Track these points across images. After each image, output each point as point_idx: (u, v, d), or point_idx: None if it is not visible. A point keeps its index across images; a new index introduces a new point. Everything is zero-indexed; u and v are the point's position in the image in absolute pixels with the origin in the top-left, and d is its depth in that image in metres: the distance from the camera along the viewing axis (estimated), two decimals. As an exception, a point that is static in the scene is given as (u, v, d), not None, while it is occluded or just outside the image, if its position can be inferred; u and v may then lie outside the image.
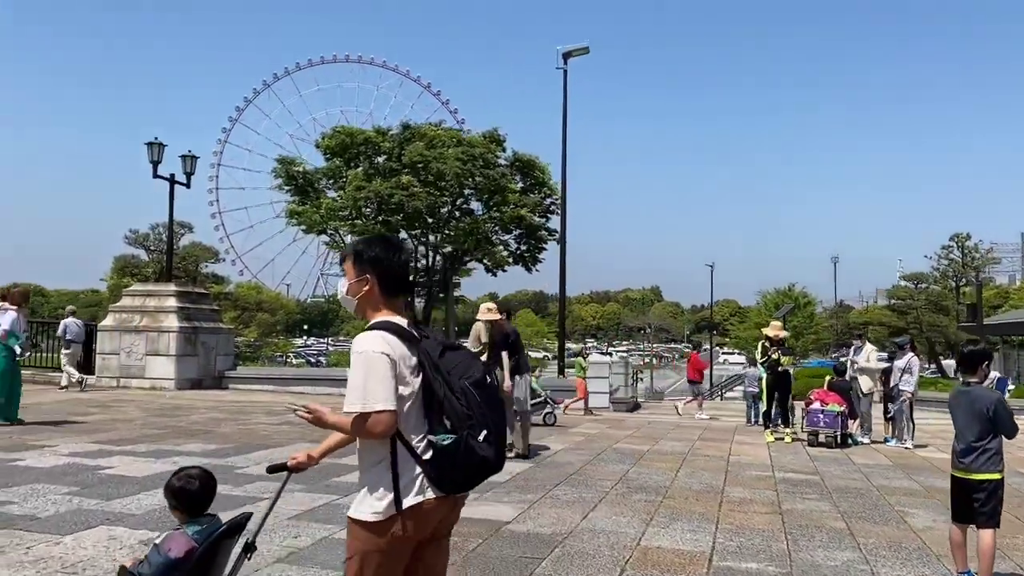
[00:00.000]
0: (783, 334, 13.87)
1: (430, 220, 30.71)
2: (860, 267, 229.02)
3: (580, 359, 19.78)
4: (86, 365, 19.92)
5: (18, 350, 11.28)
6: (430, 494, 2.66)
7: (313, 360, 59.75)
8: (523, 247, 33.04)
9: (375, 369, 2.59)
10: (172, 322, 19.27)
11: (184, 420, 12.79)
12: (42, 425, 11.34)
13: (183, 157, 21.95)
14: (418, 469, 2.65)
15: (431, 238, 32.41)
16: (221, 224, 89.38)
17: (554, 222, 32.50)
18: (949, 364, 57.89)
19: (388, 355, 2.61)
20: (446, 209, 31.44)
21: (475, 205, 32.59)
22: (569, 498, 7.73)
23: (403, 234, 32.37)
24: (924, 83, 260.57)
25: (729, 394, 40.88)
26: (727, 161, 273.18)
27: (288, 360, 58.29)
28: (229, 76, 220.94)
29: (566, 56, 22.80)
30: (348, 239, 33.08)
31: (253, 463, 8.82)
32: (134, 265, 55.01)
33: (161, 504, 6.01)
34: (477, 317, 10.43)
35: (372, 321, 2.76)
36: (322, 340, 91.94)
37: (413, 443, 2.66)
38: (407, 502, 2.65)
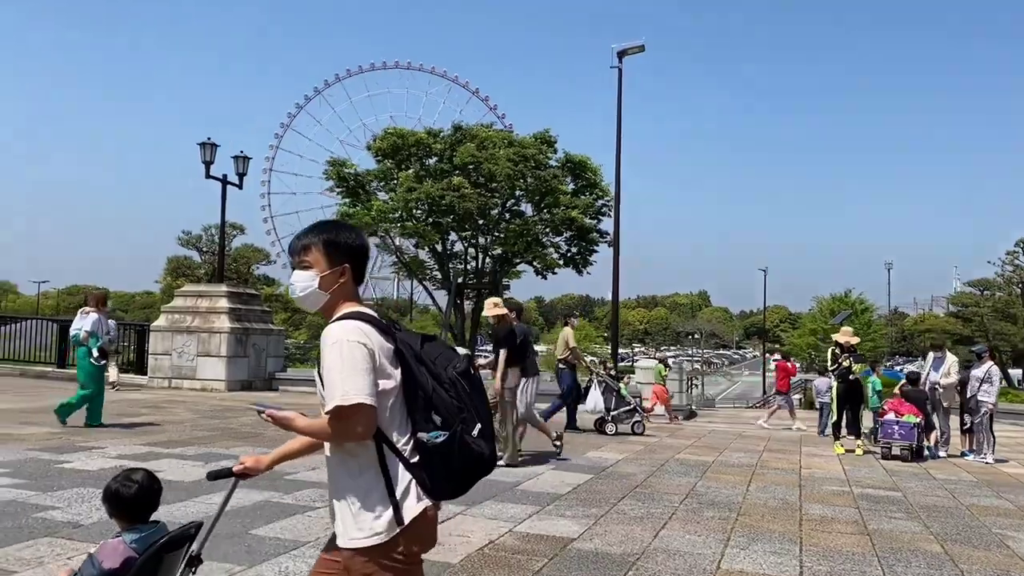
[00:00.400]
0: (854, 340, 13.14)
1: (480, 222, 30.38)
2: (913, 274, 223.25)
3: (660, 366, 19.22)
4: (138, 365, 20.04)
5: (95, 352, 11.31)
6: (428, 501, 2.37)
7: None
8: (573, 249, 32.53)
9: (351, 359, 2.28)
10: (223, 323, 19.20)
11: (235, 422, 12.58)
12: (92, 426, 11.21)
13: (235, 158, 21.97)
14: (408, 476, 2.35)
15: (481, 240, 32.10)
16: (273, 228, 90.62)
17: (605, 224, 32.00)
18: (1015, 373, 55.74)
19: (365, 344, 2.31)
20: (496, 211, 31.10)
21: (525, 207, 32.20)
22: (637, 513, 7.23)
23: (452, 236, 32.17)
24: (982, 87, 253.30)
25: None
26: (775, 165, 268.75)
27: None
28: (283, 81, 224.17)
29: (621, 55, 22.24)
30: (398, 241, 33.05)
31: (304, 468, 8.50)
32: (187, 266, 55.83)
33: (208, 512, 5.71)
34: (484, 313, 10.20)
35: (340, 314, 2.44)
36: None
37: (399, 445, 2.35)
38: (410, 512, 2.33)
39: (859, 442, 12.96)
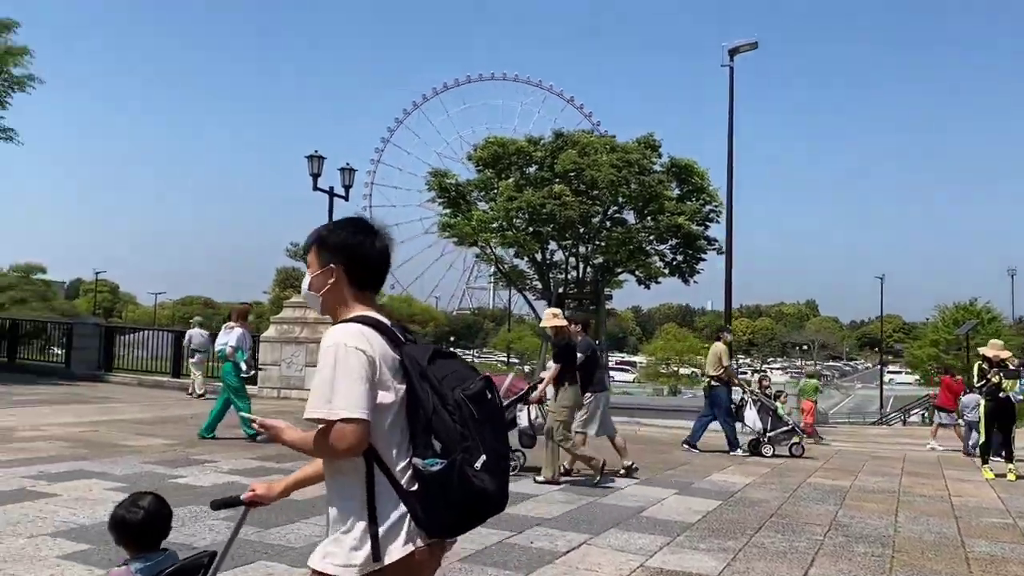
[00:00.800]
0: (1004, 354, 11.95)
1: (581, 230, 29.84)
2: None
3: (814, 381, 18.25)
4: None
5: (243, 366, 11.38)
6: (420, 542, 2.10)
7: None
8: (679, 257, 31.57)
9: (346, 366, 2.06)
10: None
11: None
12: (205, 437, 11.22)
13: (341, 170, 22.21)
14: (402, 507, 2.09)
15: (581, 249, 31.55)
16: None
17: (714, 230, 30.90)
18: None
19: (364, 351, 2.09)
20: (598, 219, 30.50)
21: (627, 214, 31.46)
22: (779, 547, 6.54)
23: (553, 245, 31.69)
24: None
25: (911, 419, 37.42)
26: (880, 170, 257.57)
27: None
28: (387, 96, 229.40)
29: (732, 52, 21.28)
30: (498, 251, 32.84)
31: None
32: (294, 278, 57.37)
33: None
34: (542, 324, 9.59)
35: (346, 317, 2.22)
36: (468, 351, 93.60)
37: (395, 470, 2.10)
38: (392, 553, 2.07)
39: (1010, 466, 11.75)
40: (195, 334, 18.85)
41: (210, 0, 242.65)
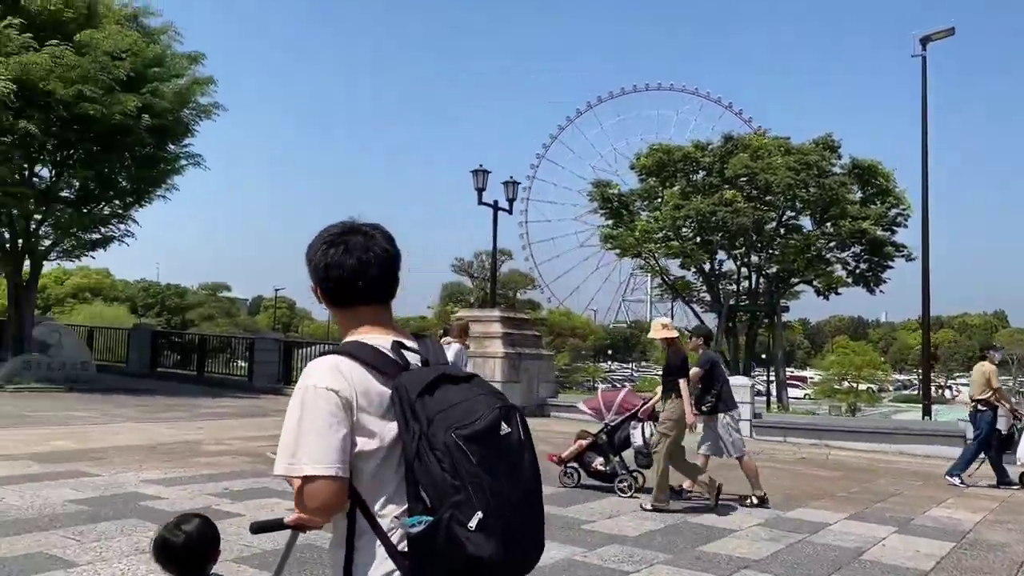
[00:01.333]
0: None
1: (755, 238, 28.26)
2: None
3: None
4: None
5: None
6: None
7: (617, 386, 59.44)
8: (863, 265, 29.27)
9: (314, 412, 1.75)
10: (497, 348, 19.09)
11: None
12: None
13: (505, 184, 22.06)
14: (390, 565, 1.74)
15: (753, 258, 29.90)
16: (530, 255, 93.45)
17: (902, 235, 28.43)
18: None
19: (336, 392, 1.76)
20: (771, 226, 28.79)
21: (803, 220, 29.56)
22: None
23: (722, 254, 30.23)
24: None
25: None
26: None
27: (594, 385, 58.45)
28: (537, 109, 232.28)
29: (924, 41, 19.45)
30: (663, 262, 31.78)
31: (601, 517, 7.45)
32: (459, 292, 58.45)
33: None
34: (650, 335, 8.91)
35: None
36: (626, 365, 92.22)
37: (385, 524, 1.75)
38: None
39: None
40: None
41: (362, 23, 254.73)
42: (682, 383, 8.24)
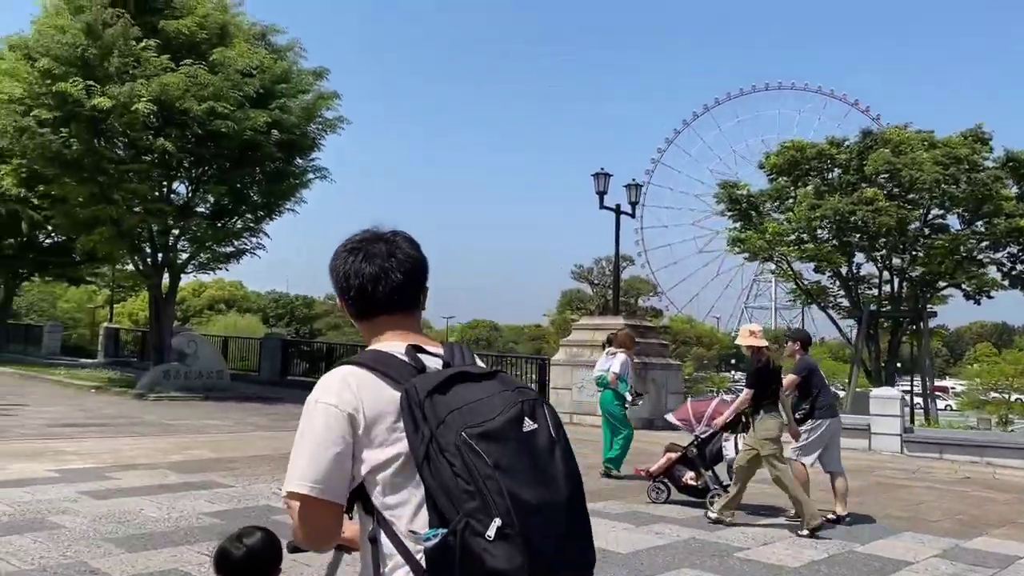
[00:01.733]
0: None
1: (898, 238, 26.42)
2: None
3: None
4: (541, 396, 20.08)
5: (628, 397, 10.59)
6: None
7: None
8: (1020, 266, 26.89)
9: (311, 428, 1.65)
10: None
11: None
12: (615, 475, 10.34)
13: (627, 186, 21.41)
14: None
15: (895, 260, 27.97)
16: (646, 262, 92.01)
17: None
18: None
19: (336, 407, 1.63)
20: (915, 225, 26.86)
21: (950, 219, 27.45)
22: None
23: (859, 257, 28.42)
24: None
25: None
26: None
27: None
28: (654, 114, 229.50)
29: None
30: (795, 266, 30.25)
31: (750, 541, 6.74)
32: (579, 299, 57.91)
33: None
34: (737, 341, 8.44)
35: None
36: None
37: (411, 545, 1.57)
38: None
39: None
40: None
41: (474, 29, 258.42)
42: (745, 394, 7.82)
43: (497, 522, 1.46)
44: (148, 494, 7.84)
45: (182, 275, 24.05)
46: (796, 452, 8.30)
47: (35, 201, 23.59)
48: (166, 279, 22.87)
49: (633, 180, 21.20)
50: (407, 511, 1.61)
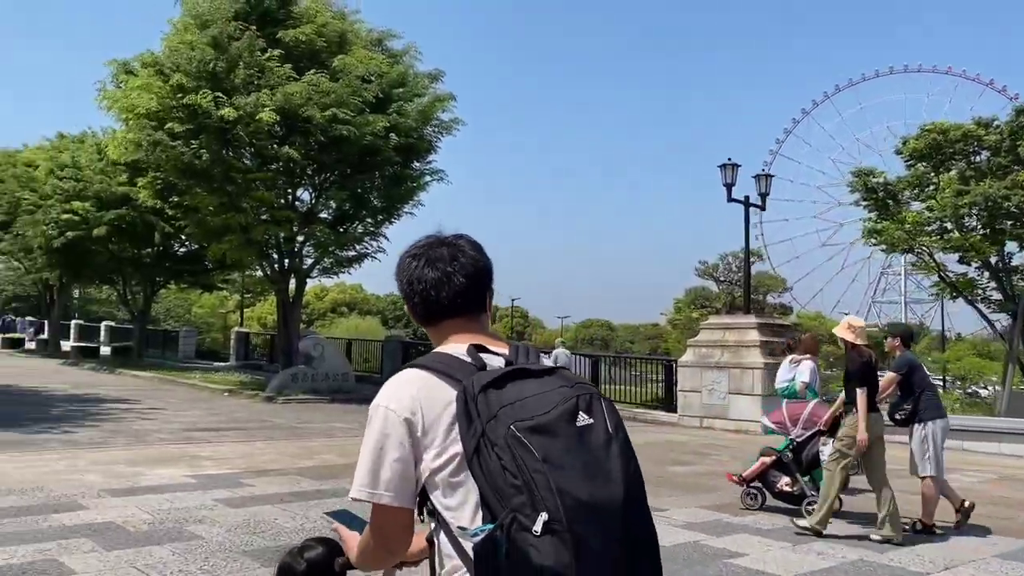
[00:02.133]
0: None
1: (1060, 226, 24.13)
2: None
3: None
4: (668, 399, 19.37)
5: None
6: None
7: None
8: None
9: (369, 435, 1.67)
10: (755, 358, 17.50)
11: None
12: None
13: (756, 177, 20.38)
14: None
15: (1052, 250, 25.59)
16: (767, 257, 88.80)
17: None
18: None
19: (394, 411, 1.64)
20: (1074, 212, 24.46)
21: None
22: None
23: (1011, 245, 26.13)
24: None
25: None
26: None
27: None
28: (769, 104, 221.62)
29: None
30: (938, 257, 28.18)
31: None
32: (704, 297, 56.24)
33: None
34: (834, 331, 7.97)
35: None
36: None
37: (467, 545, 1.54)
38: None
39: None
40: (560, 354, 20.15)
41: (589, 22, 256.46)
42: (859, 395, 7.15)
43: (544, 517, 1.43)
44: (281, 502, 7.75)
45: (307, 280, 24.57)
46: (924, 466, 7.66)
47: (169, 212, 24.63)
48: (292, 284, 23.41)
49: (764, 169, 20.21)
50: (466, 511, 1.58)
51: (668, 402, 19.31)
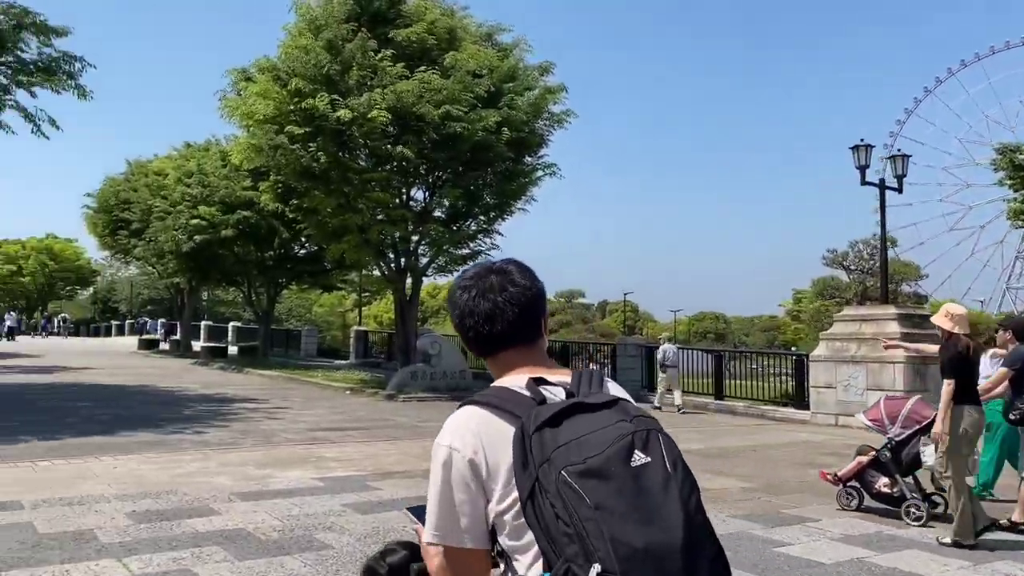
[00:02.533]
0: None
1: None
2: None
3: None
4: (798, 396, 18.38)
5: None
6: None
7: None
8: None
9: (433, 477, 1.63)
10: (896, 352, 16.29)
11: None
12: (984, 497, 8.47)
13: (890, 159, 19.06)
14: None
15: None
16: (896, 243, 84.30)
17: None
18: None
19: (458, 451, 1.59)
20: None
21: None
22: None
23: None
24: None
25: None
26: None
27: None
28: (884, 87, 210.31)
29: None
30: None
31: None
32: (833, 287, 53.72)
33: None
34: (932, 319, 7.39)
35: None
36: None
37: None
38: None
39: None
40: (668, 349, 19.34)
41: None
42: (944, 386, 6.72)
43: (597, 568, 1.37)
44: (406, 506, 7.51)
45: (423, 278, 24.69)
46: None
47: (289, 215, 25.24)
48: (408, 282, 23.55)
49: (899, 150, 18.82)
50: (528, 556, 1.53)
51: (799, 399, 18.29)
